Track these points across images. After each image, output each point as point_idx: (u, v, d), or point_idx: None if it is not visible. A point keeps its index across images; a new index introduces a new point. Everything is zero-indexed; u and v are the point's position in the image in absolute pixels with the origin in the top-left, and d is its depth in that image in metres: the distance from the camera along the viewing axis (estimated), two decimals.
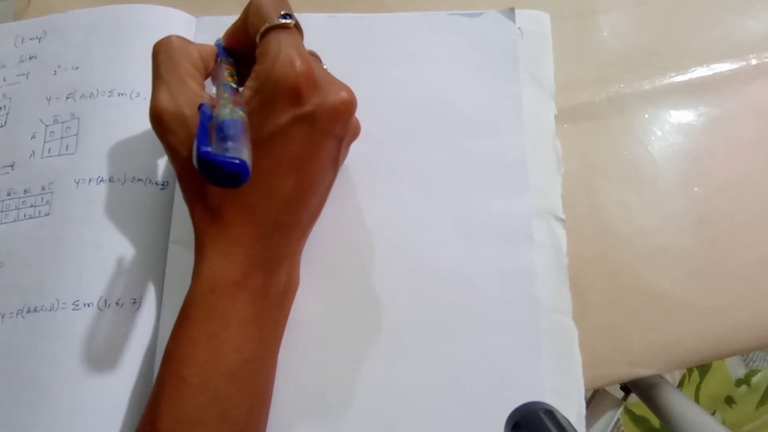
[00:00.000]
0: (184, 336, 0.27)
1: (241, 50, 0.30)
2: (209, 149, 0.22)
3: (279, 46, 0.26)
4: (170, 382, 0.26)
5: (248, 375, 0.27)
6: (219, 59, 0.30)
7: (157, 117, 0.27)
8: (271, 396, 0.30)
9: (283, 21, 0.26)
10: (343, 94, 0.27)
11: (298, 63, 0.25)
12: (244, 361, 0.27)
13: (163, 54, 0.28)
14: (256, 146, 0.25)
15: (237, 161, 0.22)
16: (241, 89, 0.27)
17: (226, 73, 0.29)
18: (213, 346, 0.26)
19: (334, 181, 0.32)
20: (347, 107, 0.27)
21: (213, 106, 0.26)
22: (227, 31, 0.30)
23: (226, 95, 0.26)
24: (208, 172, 0.22)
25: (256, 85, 0.26)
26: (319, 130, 0.27)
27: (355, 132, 0.32)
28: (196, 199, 0.28)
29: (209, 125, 0.24)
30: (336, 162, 0.30)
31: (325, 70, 0.29)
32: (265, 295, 0.28)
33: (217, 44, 0.31)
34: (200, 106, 0.26)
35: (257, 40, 0.27)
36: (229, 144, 0.22)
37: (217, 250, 0.27)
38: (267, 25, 0.26)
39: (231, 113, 0.24)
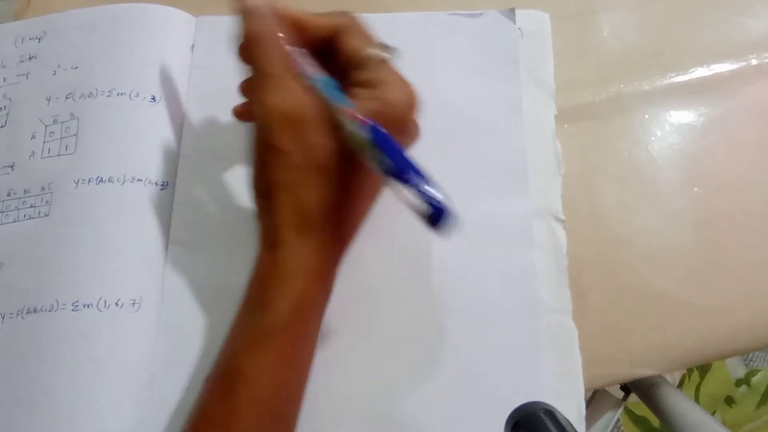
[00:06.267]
0: (265, 358, 0.26)
1: (309, 44, 0.29)
2: (441, 199, 0.24)
3: (400, 79, 0.28)
4: (247, 405, 0.25)
5: (303, 391, 0.28)
6: (293, 50, 0.28)
7: (277, 119, 0.26)
8: None
9: (390, 55, 0.28)
10: (419, 127, 0.30)
11: (415, 98, 0.28)
12: (304, 381, 0.28)
13: (266, 47, 0.26)
14: (364, 170, 0.27)
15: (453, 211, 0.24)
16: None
17: (326, 76, 0.27)
18: (292, 369, 0.27)
19: None
20: (418, 138, 0.30)
21: (334, 118, 0.26)
22: (295, 18, 0.28)
23: (352, 108, 0.26)
24: (434, 218, 0.24)
25: (376, 108, 0.26)
26: None
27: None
28: (296, 211, 0.26)
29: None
30: None
31: None
32: (323, 312, 0.29)
33: (313, 73, 0.28)
34: (372, 129, 0.25)
35: (355, 59, 0.27)
36: (441, 191, 0.24)
37: (308, 270, 0.26)
38: (380, 54, 0.28)
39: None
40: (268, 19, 0.27)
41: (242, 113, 0.32)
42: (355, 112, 0.25)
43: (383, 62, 0.28)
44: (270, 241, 0.27)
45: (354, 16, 0.29)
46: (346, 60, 0.28)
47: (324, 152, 0.26)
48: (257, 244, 0.28)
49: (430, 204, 0.24)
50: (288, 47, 0.27)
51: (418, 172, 0.24)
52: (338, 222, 0.28)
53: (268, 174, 0.26)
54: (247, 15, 0.27)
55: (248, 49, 0.27)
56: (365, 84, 0.27)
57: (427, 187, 0.24)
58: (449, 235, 0.24)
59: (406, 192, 0.24)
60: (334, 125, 0.26)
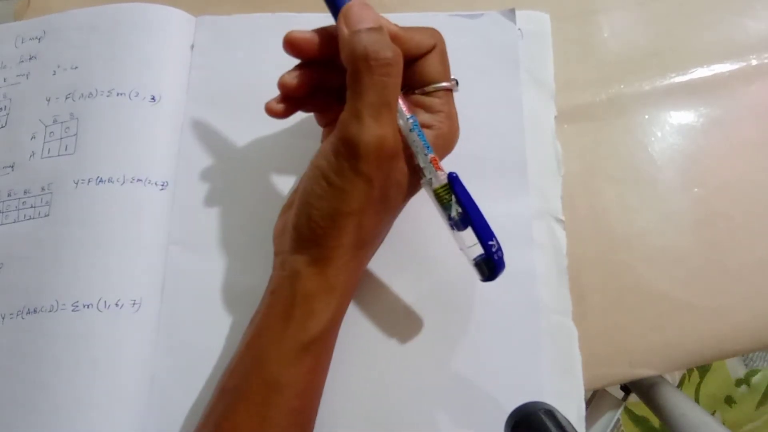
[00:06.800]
0: (302, 369, 0.27)
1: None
2: (502, 257, 0.27)
3: (456, 115, 0.29)
4: (282, 415, 0.26)
5: (320, 397, 0.29)
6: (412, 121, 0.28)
7: (378, 148, 0.25)
8: None
9: (457, 89, 0.29)
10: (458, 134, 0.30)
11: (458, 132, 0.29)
12: (323, 386, 0.29)
13: (391, 78, 0.25)
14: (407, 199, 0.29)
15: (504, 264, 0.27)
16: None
17: (414, 120, 0.27)
18: (322, 377, 0.29)
19: None
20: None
21: (410, 157, 0.27)
22: (393, 32, 0.27)
23: (433, 155, 0.27)
24: (492, 272, 0.27)
25: (439, 143, 0.28)
26: None
27: None
28: (353, 239, 0.27)
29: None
30: None
31: None
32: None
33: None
34: (453, 178, 0.27)
35: (430, 83, 0.28)
36: (498, 243, 0.27)
37: (349, 286, 0.28)
38: (455, 86, 0.29)
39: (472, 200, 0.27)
40: (398, 49, 0.26)
41: (281, 112, 0.29)
42: (436, 158, 0.27)
43: (450, 94, 0.29)
44: (319, 258, 0.27)
45: (441, 35, 0.29)
46: (421, 80, 0.28)
47: (401, 190, 0.28)
48: (281, 256, 0.29)
49: (491, 258, 0.26)
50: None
51: (487, 225, 0.26)
52: (369, 253, 0.30)
53: (345, 200, 0.26)
54: (372, 34, 0.25)
55: (371, 71, 0.25)
56: (436, 111, 0.28)
57: (491, 242, 0.26)
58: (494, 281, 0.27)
59: (469, 240, 0.26)
60: (411, 164, 0.27)
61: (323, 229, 0.26)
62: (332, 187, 0.26)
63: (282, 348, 0.27)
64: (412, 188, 0.28)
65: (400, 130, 0.27)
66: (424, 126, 0.27)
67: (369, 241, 0.28)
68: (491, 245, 0.26)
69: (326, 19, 0.28)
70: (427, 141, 0.27)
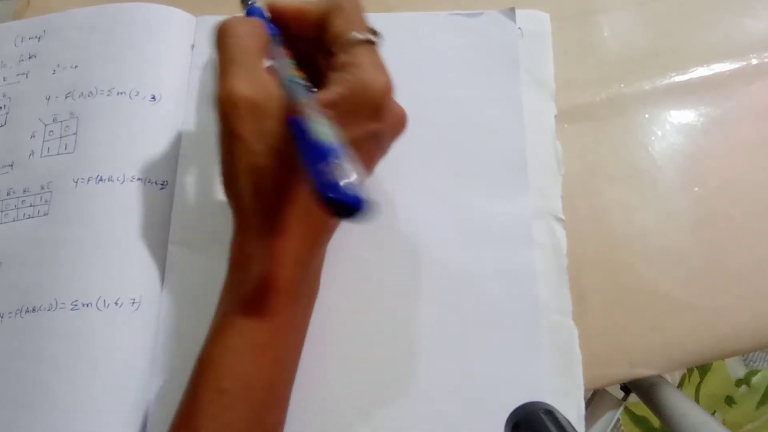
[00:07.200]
0: (227, 346, 0.26)
1: (295, 33, 0.29)
2: (339, 185, 0.20)
3: (375, 62, 0.26)
4: (210, 395, 0.25)
5: (284, 385, 0.27)
6: (273, 38, 0.28)
7: (232, 103, 0.25)
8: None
9: (374, 38, 0.27)
10: (405, 116, 0.29)
11: (389, 85, 0.26)
12: (282, 371, 0.27)
13: (234, 38, 0.27)
14: None
15: (367, 200, 0.20)
16: (314, 90, 0.26)
17: (290, 64, 0.27)
18: (257, 357, 0.26)
19: None
20: (404, 128, 0.29)
21: (292, 109, 0.25)
22: (288, 9, 0.29)
23: (305, 100, 0.25)
24: (334, 207, 0.21)
25: (343, 92, 0.25)
26: (379, 146, 0.28)
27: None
28: (256, 195, 0.26)
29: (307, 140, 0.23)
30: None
31: None
32: (306, 302, 0.29)
33: (265, 18, 0.29)
34: (291, 120, 0.25)
35: (337, 42, 0.27)
36: (354, 178, 0.21)
37: (270, 257, 0.26)
38: (360, 36, 0.27)
39: (332, 133, 0.23)
40: (242, 21, 0.27)
41: None
42: (306, 104, 0.24)
43: (364, 46, 0.27)
44: (236, 226, 0.27)
45: None
46: (330, 43, 0.27)
47: (282, 139, 0.26)
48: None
49: (322, 190, 0.21)
50: (266, 38, 0.28)
51: (323, 149, 0.22)
52: (306, 211, 0.27)
53: (231, 161, 0.26)
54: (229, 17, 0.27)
55: (218, 39, 0.27)
56: (341, 67, 0.26)
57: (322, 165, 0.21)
58: (368, 222, 0.21)
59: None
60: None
61: (227, 194, 0.27)
62: (220, 149, 0.27)
63: (212, 324, 0.27)
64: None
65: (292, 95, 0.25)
66: (336, 84, 0.26)
67: (280, 206, 0.26)
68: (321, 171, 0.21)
69: None
70: (304, 91, 0.25)
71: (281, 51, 0.28)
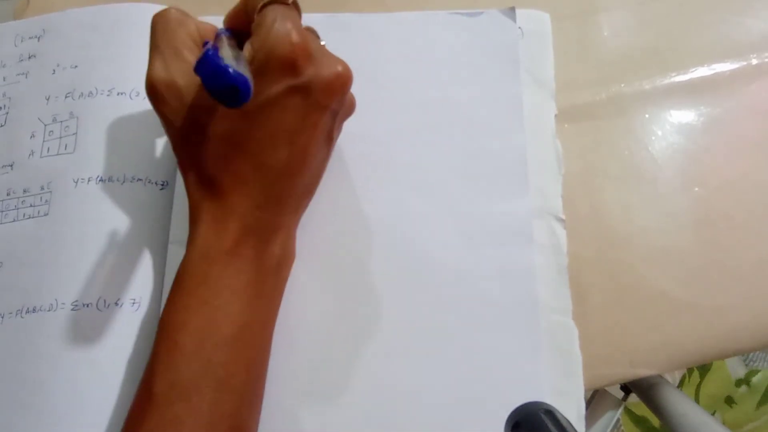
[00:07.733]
0: (177, 303, 0.27)
1: (244, 30, 0.29)
2: (218, 55, 0.23)
3: (275, 18, 0.26)
4: (165, 348, 0.27)
5: (243, 344, 0.28)
6: (219, 33, 0.30)
7: (151, 86, 0.28)
8: (267, 369, 0.30)
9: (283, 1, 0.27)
10: (339, 68, 0.27)
11: (293, 34, 0.25)
12: (238, 330, 0.27)
13: (161, 25, 0.28)
14: (250, 116, 0.26)
15: (240, 75, 0.23)
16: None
17: (227, 42, 0.28)
18: (205, 313, 0.27)
19: (329, 157, 0.32)
20: (343, 81, 0.27)
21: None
22: (228, 12, 0.30)
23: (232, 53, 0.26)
24: (210, 79, 0.23)
25: (250, 55, 0.26)
26: (313, 103, 0.27)
27: (349, 108, 0.32)
28: (190, 167, 0.28)
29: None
30: (330, 137, 0.30)
31: (322, 45, 0.29)
32: (258, 264, 0.29)
33: (220, 30, 0.30)
34: (217, 34, 0.28)
35: (252, 13, 0.27)
36: (234, 63, 0.23)
37: (210, 218, 0.28)
38: (264, 0, 0.27)
39: (236, 55, 0.26)
40: (171, 11, 0.29)
41: None
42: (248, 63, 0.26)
43: (269, 6, 0.27)
44: (186, 190, 0.29)
45: None
46: (251, 18, 0.27)
47: (203, 112, 0.27)
48: None
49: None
50: (219, 34, 0.29)
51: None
52: (244, 177, 0.28)
53: (168, 136, 0.29)
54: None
55: (150, 29, 0.29)
56: (253, 31, 0.27)
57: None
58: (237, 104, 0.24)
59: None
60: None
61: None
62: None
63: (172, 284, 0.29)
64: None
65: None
66: (248, 48, 0.27)
67: (214, 173, 0.28)
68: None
69: (326, 19, 0.28)
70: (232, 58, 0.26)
71: (224, 38, 0.29)
